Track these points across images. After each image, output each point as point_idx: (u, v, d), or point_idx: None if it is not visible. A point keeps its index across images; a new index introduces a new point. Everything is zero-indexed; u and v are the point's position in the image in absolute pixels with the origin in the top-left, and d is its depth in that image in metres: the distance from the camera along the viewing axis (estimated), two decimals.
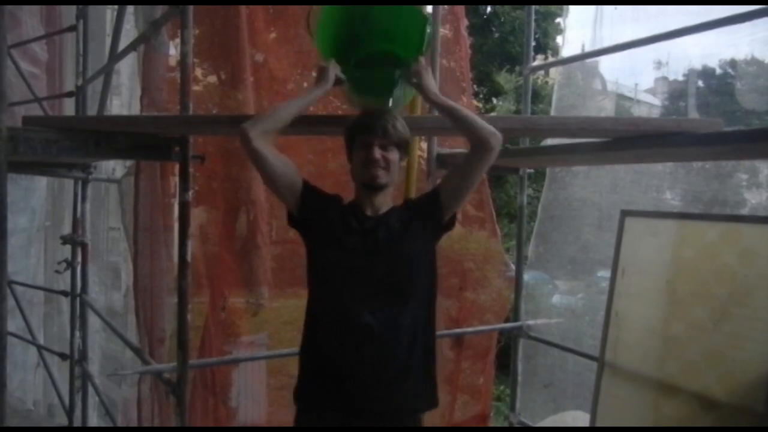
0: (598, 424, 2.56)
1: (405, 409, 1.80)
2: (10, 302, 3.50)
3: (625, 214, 2.62)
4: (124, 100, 5.53)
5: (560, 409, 5.25)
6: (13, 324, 3.73)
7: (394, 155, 1.83)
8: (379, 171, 1.81)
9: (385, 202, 1.88)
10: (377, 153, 1.79)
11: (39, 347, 3.98)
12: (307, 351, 1.85)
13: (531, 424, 3.48)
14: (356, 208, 1.87)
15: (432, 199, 1.89)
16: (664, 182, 5.02)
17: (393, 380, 1.75)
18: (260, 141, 1.76)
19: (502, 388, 7.22)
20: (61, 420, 3.71)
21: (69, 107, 3.88)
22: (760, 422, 1.92)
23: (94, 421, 4.34)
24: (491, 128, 1.77)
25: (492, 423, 4.88)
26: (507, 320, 3.62)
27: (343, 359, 1.75)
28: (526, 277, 3.48)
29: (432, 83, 1.89)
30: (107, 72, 3.03)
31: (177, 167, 2.15)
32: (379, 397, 1.75)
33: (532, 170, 3.61)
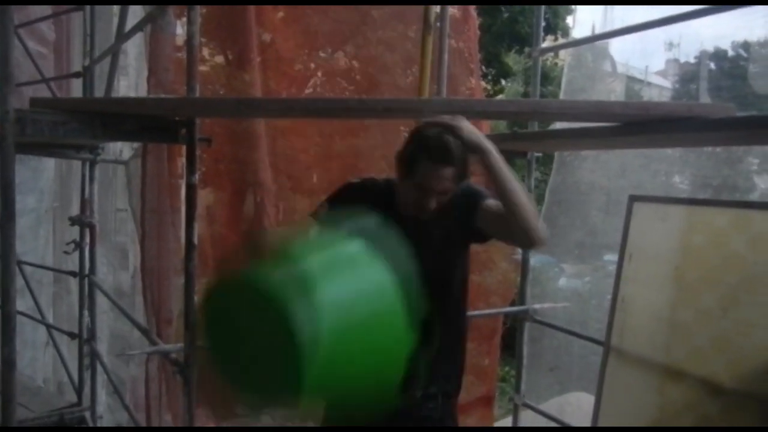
0: (603, 406, 2.57)
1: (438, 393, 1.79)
2: (20, 282, 3.53)
3: (634, 199, 2.61)
4: (131, 81, 5.51)
5: (565, 391, 5.28)
6: (23, 303, 3.77)
7: (448, 196, 1.65)
8: (427, 205, 1.65)
9: None
10: (432, 204, 1.63)
11: (48, 326, 4.02)
12: None
13: (535, 405, 3.49)
14: (398, 213, 1.67)
15: (470, 208, 1.74)
16: (673, 167, 4.99)
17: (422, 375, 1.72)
18: None
19: (507, 369, 7.26)
20: (71, 397, 3.76)
21: (76, 87, 3.87)
22: (765, 408, 1.92)
23: (102, 398, 4.40)
24: (542, 235, 1.61)
25: (497, 404, 4.92)
26: (513, 303, 3.62)
27: None
28: (533, 260, 3.47)
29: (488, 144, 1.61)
30: (114, 52, 3.02)
31: (184, 149, 2.14)
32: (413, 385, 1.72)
33: (540, 154, 3.58)
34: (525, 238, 1.62)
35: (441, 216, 1.70)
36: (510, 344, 3.87)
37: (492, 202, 1.72)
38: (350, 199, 1.78)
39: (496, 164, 1.58)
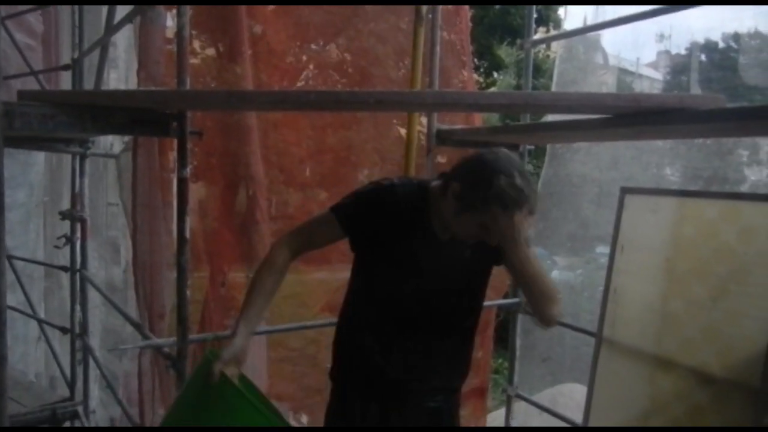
0: (596, 397, 2.59)
1: (447, 387, 1.80)
2: (11, 277, 3.51)
3: (625, 191, 2.62)
4: (121, 74, 5.47)
5: (558, 382, 5.32)
6: (14, 298, 3.75)
7: None
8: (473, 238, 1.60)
9: None
10: (493, 242, 1.56)
11: (40, 321, 4.00)
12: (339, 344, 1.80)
13: (528, 396, 3.52)
14: (425, 224, 1.64)
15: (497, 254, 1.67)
16: (664, 159, 5.01)
17: (433, 374, 1.73)
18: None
19: (500, 361, 7.30)
20: (63, 392, 3.75)
21: (66, 80, 3.84)
22: (755, 397, 1.94)
23: (95, 393, 4.39)
24: (556, 318, 1.64)
25: (490, 395, 4.94)
26: (506, 296, 3.64)
27: (374, 372, 1.70)
28: None
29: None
30: (103, 44, 2.99)
31: (175, 143, 2.13)
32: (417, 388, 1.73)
33: (532, 147, 3.59)
34: (541, 318, 1.65)
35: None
36: (503, 337, 3.89)
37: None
38: (367, 214, 1.65)
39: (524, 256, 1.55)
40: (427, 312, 1.67)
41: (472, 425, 3.70)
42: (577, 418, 2.73)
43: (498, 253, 1.66)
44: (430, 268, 1.66)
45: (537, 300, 1.63)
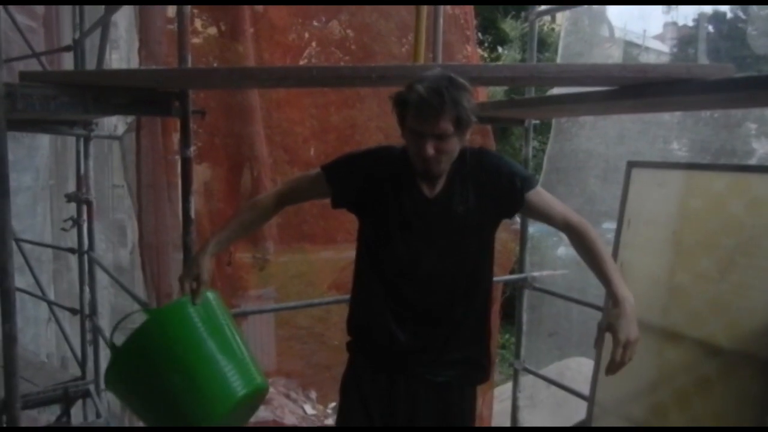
0: (603, 370, 2.60)
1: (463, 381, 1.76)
2: (20, 260, 3.54)
3: (632, 165, 2.60)
4: (122, 54, 5.45)
5: (565, 357, 5.35)
6: (24, 281, 3.78)
7: (453, 144, 1.53)
8: (432, 166, 1.55)
9: (443, 179, 1.63)
10: (430, 149, 1.50)
11: (50, 303, 4.04)
12: (351, 321, 1.80)
13: (535, 370, 3.54)
14: (411, 182, 1.62)
15: (514, 197, 1.64)
16: (671, 132, 4.96)
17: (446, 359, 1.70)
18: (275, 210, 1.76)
19: (507, 336, 7.35)
20: (75, 371, 3.80)
21: (68, 61, 3.82)
22: (763, 368, 1.95)
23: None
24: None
25: (497, 370, 4.98)
26: (512, 272, 3.64)
27: (388, 341, 1.68)
28: (531, 229, 3.47)
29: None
30: (104, 24, 2.97)
31: (178, 123, 2.12)
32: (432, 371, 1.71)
33: (537, 122, 3.56)
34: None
35: (464, 191, 1.62)
36: (510, 312, 3.90)
37: (541, 197, 1.67)
38: (353, 172, 1.67)
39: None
40: (426, 275, 1.64)
41: (480, 399, 3.73)
42: (584, 390, 2.75)
43: (501, 206, 1.65)
44: (421, 226, 1.62)
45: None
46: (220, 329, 1.72)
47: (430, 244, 1.63)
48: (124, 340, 1.65)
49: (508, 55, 11.57)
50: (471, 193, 1.63)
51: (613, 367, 1.45)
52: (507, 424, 3.62)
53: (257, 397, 1.81)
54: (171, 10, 3.15)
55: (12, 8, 3.56)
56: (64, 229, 3.65)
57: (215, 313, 1.73)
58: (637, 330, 1.47)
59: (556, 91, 3.34)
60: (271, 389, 4.00)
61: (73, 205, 3.48)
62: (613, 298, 1.51)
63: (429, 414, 1.71)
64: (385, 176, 1.65)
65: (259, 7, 3.60)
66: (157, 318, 1.69)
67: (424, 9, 2.77)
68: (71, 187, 4.06)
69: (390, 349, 1.69)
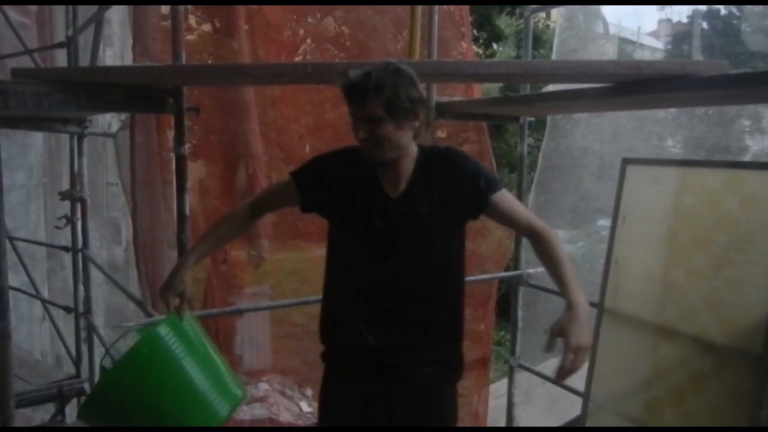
0: (598, 366, 2.61)
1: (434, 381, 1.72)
2: (13, 258, 3.52)
3: (627, 162, 2.60)
4: (116, 51, 5.41)
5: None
6: (17, 279, 3.76)
7: (386, 129, 1.50)
8: (372, 151, 1.54)
9: (404, 172, 1.61)
10: (362, 131, 1.52)
11: (44, 301, 4.02)
12: (322, 327, 1.78)
13: (531, 366, 3.55)
14: (374, 183, 1.62)
15: (478, 198, 1.63)
16: (666, 129, 4.97)
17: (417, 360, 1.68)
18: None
19: (502, 333, 7.36)
20: (69, 369, 3.78)
21: (61, 58, 3.80)
22: (757, 363, 1.95)
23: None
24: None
25: (493, 366, 4.99)
26: (507, 269, 3.65)
27: (359, 343, 1.66)
28: None
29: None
30: (98, 21, 2.95)
31: (173, 121, 2.11)
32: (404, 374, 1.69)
33: (532, 119, 3.57)
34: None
35: (428, 191, 1.61)
36: (505, 309, 3.91)
37: (506, 199, 1.65)
38: (320, 174, 1.67)
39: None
40: (392, 276, 1.62)
41: (475, 396, 3.74)
42: (579, 387, 2.75)
43: (465, 206, 1.63)
44: (385, 226, 1.60)
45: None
46: (197, 349, 1.69)
47: (395, 244, 1.61)
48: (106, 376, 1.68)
49: (503, 51, 11.57)
50: (435, 193, 1.61)
51: (563, 373, 1.42)
52: (502, 420, 3.63)
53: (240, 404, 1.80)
54: (165, 7, 3.14)
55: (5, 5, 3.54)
56: (57, 227, 3.63)
57: (188, 334, 1.69)
58: (589, 336, 1.44)
59: (552, 88, 3.34)
60: (267, 387, 4.00)
61: (67, 202, 3.46)
62: (567, 302, 1.49)
63: (407, 416, 1.68)
64: (350, 177, 1.64)
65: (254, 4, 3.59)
66: (140, 354, 1.61)
67: (419, 6, 2.76)
68: (65, 185, 4.04)
69: (361, 352, 1.66)
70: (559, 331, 1.43)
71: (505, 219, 1.67)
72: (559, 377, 1.44)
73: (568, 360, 1.40)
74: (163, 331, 1.60)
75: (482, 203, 1.63)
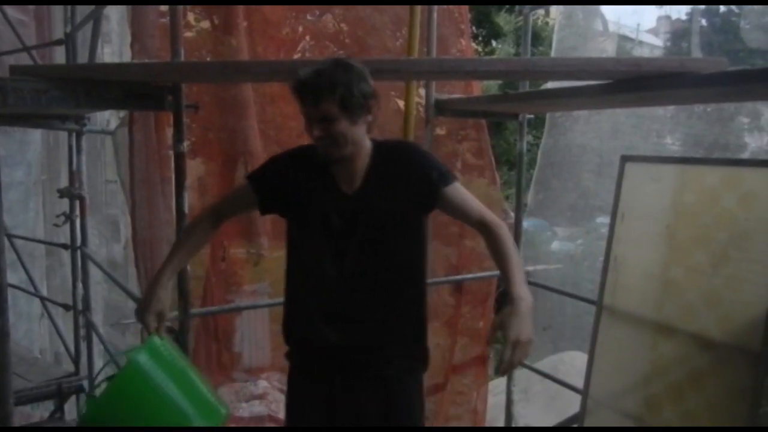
0: (596, 364, 2.61)
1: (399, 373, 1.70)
2: (12, 255, 3.52)
3: (626, 159, 2.60)
4: (114, 48, 5.41)
5: (559, 350, 5.38)
6: (16, 277, 3.75)
7: (341, 126, 1.50)
8: (327, 149, 1.54)
9: (359, 168, 1.61)
10: (315, 130, 1.51)
11: (42, 299, 4.02)
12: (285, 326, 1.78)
13: (530, 364, 3.55)
14: (330, 181, 1.62)
15: (430, 191, 1.62)
16: (665, 127, 4.98)
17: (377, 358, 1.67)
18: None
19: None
20: (68, 367, 3.78)
21: (59, 56, 3.79)
22: (755, 360, 1.96)
23: (99, 367, 4.43)
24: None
25: (491, 364, 5.00)
26: None
27: (321, 342, 1.66)
28: (526, 224, 3.49)
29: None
30: (96, 18, 2.95)
31: (172, 118, 2.11)
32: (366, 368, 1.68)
33: (531, 116, 3.56)
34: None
35: (382, 186, 1.61)
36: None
37: (458, 193, 1.64)
38: (275, 175, 1.67)
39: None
40: (350, 273, 1.62)
41: (474, 393, 3.75)
42: (578, 384, 2.76)
43: (417, 200, 1.62)
44: (341, 223, 1.60)
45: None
46: (178, 373, 1.67)
47: (352, 241, 1.61)
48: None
49: (502, 49, 11.57)
50: (389, 188, 1.61)
51: (504, 368, 1.41)
52: (501, 417, 3.64)
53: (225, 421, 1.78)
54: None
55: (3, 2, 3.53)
56: (56, 225, 3.63)
57: (167, 357, 1.67)
58: (530, 331, 1.42)
59: (551, 85, 3.34)
60: (266, 384, 4.00)
61: (66, 200, 3.46)
62: (509, 296, 1.48)
63: (373, 411, 1.67)
64: (306, 176, 1.64)
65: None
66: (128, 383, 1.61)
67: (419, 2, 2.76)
68: (64, 183, 4.03)
69: (323, 350, 1.66)
70: (500, 325, 1.43)
71: (458, 213, 1.66)
72: (501, 372, 1.45)
73: (506, 353, 1.39)
74: (143, 359, 1.58)
75: (434, 196, 1.62)
